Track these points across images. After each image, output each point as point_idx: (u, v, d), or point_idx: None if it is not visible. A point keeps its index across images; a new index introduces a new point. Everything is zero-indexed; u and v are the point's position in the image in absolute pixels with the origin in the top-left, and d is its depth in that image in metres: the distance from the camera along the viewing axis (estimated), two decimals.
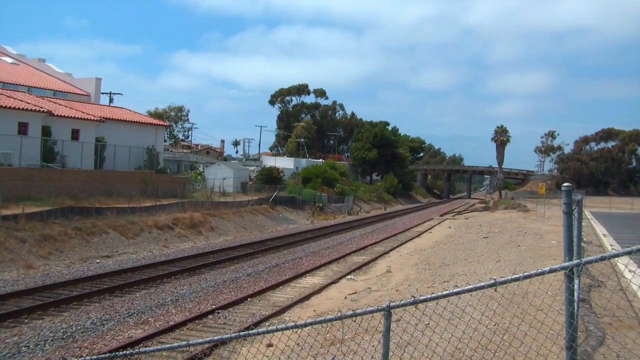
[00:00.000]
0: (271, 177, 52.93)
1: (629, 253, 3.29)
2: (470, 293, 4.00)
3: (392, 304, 4.33)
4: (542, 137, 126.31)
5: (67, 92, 43.35)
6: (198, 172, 49.62)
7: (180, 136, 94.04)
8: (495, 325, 7.07)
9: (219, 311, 13.04)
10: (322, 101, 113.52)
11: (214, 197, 38.51)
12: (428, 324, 6.80)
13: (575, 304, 3.99)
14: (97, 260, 19.89)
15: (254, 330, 5.46)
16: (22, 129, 30.16)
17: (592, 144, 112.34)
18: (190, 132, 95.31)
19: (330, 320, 4.68)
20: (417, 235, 32.61)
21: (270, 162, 69.11)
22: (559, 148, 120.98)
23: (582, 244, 10.33)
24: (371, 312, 4.48)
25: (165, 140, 61.13)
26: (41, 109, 31.30)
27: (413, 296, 5.62)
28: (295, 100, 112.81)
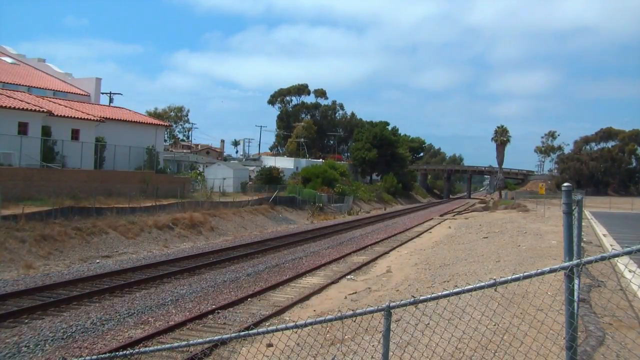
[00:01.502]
0: (271, 177, 52.94)
1: (629, 253, 3.29)
2: (470, 293, 4.00)
3: (392, 304, 4.33)
4: (542, 137, 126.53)
5: (67, 92, 43.35)
6: (198, 172, 49.63)
7: (180, 136, 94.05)
8: (495, 325, 7.06)
9: (219, 311, 13.04)
10: (322, 101, 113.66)
11: (214, 197, 38.52)
12: (428, 324, 6.79)
13: (575, 304, 3.99)
14: (97, 260, 19.88)
15: (254, 330, 5.45)
16: (22, 129, 30.17)
17: (592, 144, 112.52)
18: (190, 132, 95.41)
19: (330, 320, 4.68)
20: (417, 235, 32.62)
21: (270, 162, 69.12)
22: (559, 148, 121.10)
23: (582, 244, 10.33)
24: (371, 312, 4.47)
25: (165, 140, 61.14)
26: (41, 109, 31.31)
27: (413, 296, 5.62)
28: (295, 100, 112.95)
